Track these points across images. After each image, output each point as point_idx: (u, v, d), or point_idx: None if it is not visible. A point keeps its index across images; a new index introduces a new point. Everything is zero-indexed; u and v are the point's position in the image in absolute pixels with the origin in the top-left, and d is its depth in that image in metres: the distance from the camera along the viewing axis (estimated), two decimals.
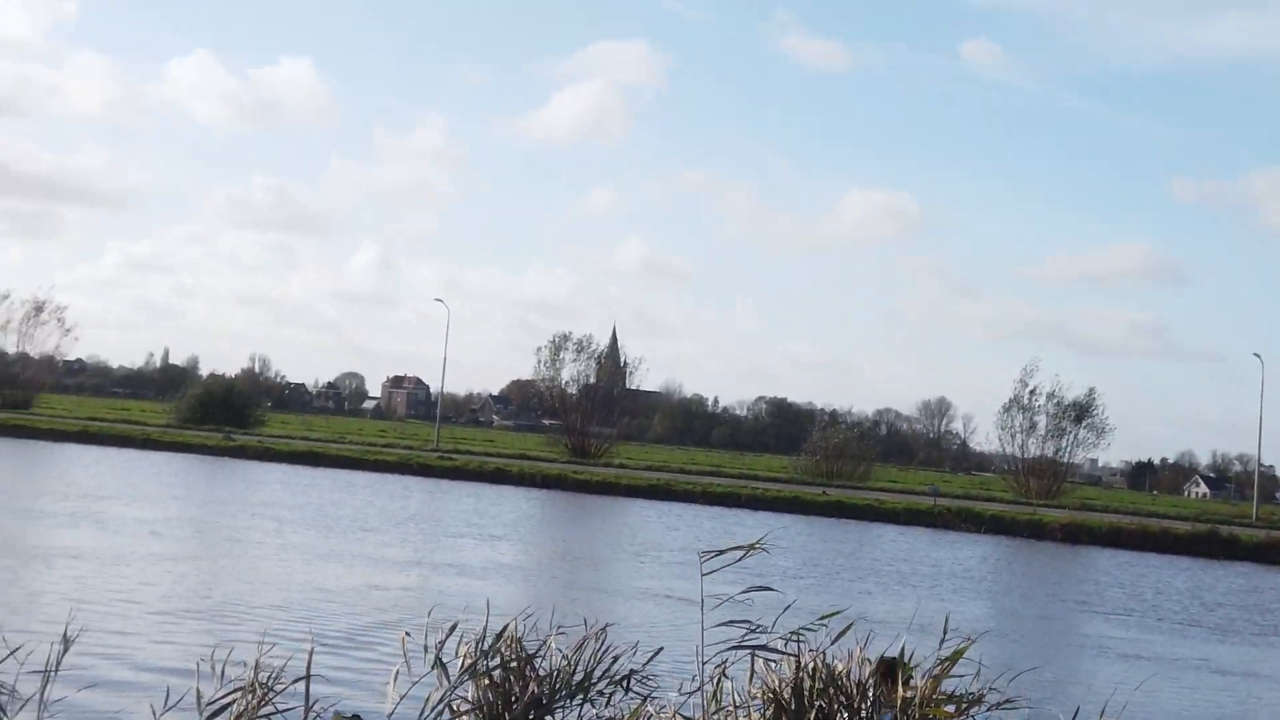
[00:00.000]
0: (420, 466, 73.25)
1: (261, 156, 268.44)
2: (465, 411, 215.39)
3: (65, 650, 7.09)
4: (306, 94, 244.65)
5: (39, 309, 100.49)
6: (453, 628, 8.58)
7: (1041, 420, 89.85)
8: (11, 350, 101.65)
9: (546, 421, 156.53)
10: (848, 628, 8.66)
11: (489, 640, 8.51)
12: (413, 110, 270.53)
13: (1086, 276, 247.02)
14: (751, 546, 8.53)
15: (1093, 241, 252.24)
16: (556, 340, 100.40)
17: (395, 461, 74.25)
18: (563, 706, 8.38)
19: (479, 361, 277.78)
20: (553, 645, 8.72)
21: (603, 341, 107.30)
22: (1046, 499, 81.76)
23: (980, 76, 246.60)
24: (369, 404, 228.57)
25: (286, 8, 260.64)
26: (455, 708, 8.24)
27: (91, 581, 24.75)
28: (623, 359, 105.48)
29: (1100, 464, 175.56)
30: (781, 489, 72.25)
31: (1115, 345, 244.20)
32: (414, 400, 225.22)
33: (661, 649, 9.42)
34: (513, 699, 8.05)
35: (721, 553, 8.34)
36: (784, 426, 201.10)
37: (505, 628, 8.62)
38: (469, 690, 8.35)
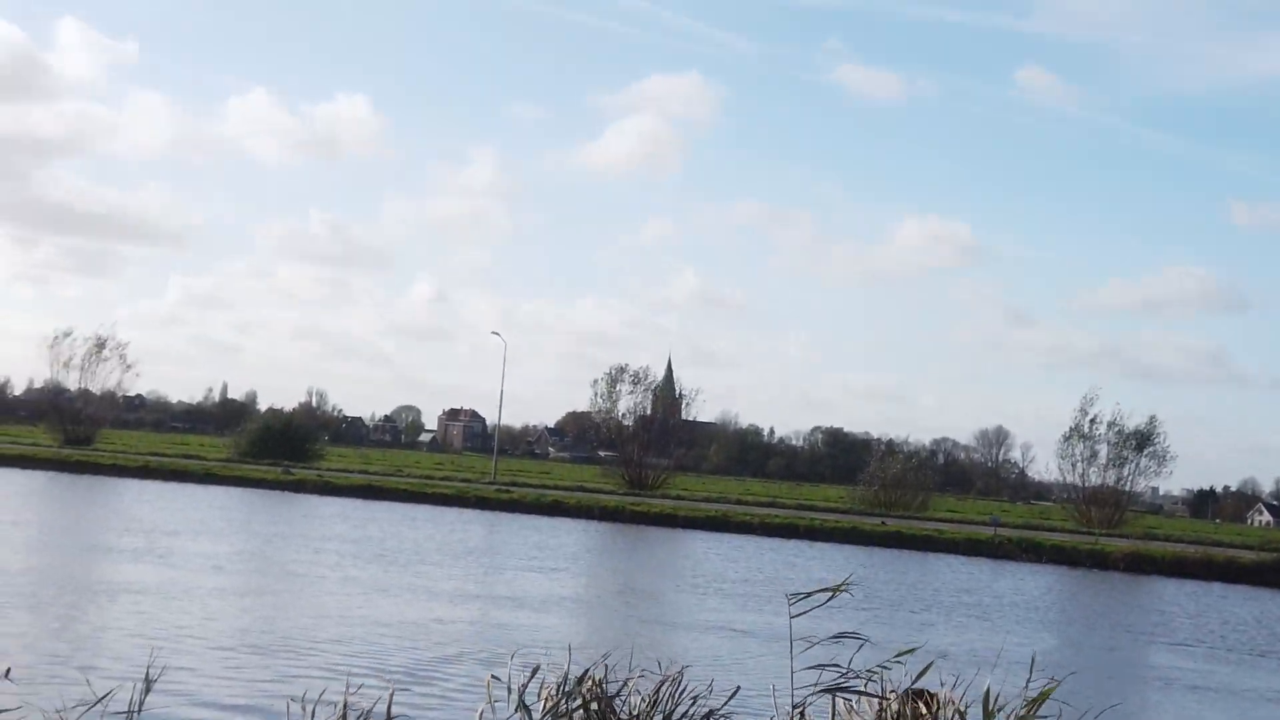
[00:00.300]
0: (478, 499, 73.36)
1: (318, 192, 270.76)
2: (521, 444, 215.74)
3: (147, 691, 7.12)
4: (362, 129, 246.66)
5: (101, 345, 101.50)
6: (535, 670, 8.54)
7: (1103, 449, 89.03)
8: (74, 387, 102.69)
9: (602, 453, 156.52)
10: (928, 666, 8.56)
11: (570, 683, 8.47)
12: (467, 144, 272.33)
13: (1144, 303, 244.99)
14: (838, 588, 8.46)
15: (1150, 267, 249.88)
16: (613, 372, 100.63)
17: (453, 495, 74.38)
18: None
19: (534, 394, 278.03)
20: (632, 687, 8.68)
21: (658, 373, 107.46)
22: (1108, 528, 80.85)
23: (1034, 103, 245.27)
24: (425, 437, 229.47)
25: (342, 45, 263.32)
26: None
27: (156, 617, 24.89)
28: (679, 390, 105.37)
29: (1161, 492, 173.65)
30: (840, 519, 71.85)
31: (1175, 372, 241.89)
32: (470, 433, 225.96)
33: (739, 689, 9.35)
34: None
35: (809, 595, 8.27)
36: (840, 456, 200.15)
37: (586, 671, 8.59)
38: None
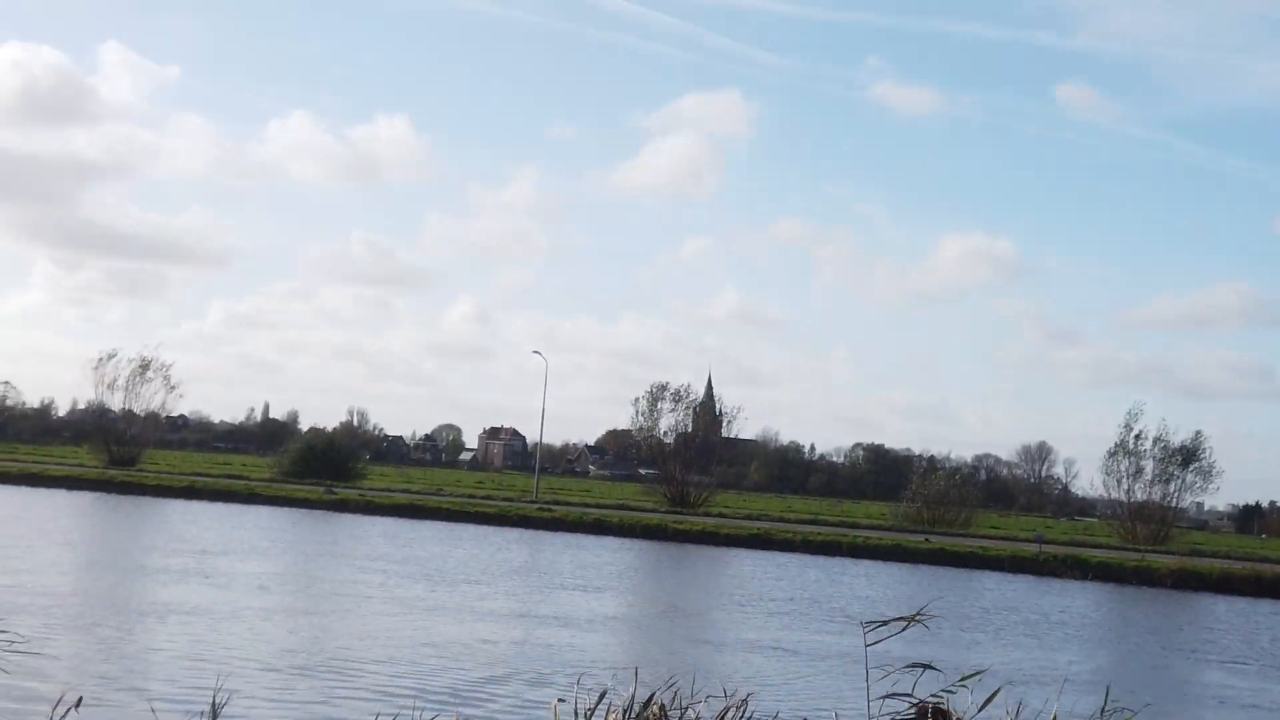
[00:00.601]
0: (520, 518, 73.42)
1: (359, 213, 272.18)
2: (561, 462, 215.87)
3: (215, 718, 7.12)
4: (402, 151, 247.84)
5: (145, 367, 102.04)
6: (602, 695, 8.50)
7: (1148, 465, 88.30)
8: (118, 408, 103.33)
9: (643, 471, 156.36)
10: (995, 693, 8.45)
11: (636, 707, 8.42)
12: (507, 164, 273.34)
13: (1189, 318, 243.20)
14: (913, 619, 8.36)
15: (1195, 283, 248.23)
16: (654, 390, 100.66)
17: (495, 513, 74.45)
18: None
19: (574, 412, 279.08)
20: (698, 713, 8.61)
21: (699, 391, 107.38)
22: (1154, 544, 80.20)
23: (1076, 119, 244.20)
24: (466, 455, 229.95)
25: (382, 67, 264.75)
26: None
27: (205, 638, 24.98)
28: (719, 407, 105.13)
29: (1206, 508, 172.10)
30: (883, 537, 71.53)
31: (1219, 387, 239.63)
32: (510, 451, 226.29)
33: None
34: None
35: (885, 623, 8.18)
36: (881, 473, 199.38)
37: (652, 697, 8.53)
38: None
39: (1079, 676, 28.98)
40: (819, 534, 70.99)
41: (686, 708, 8.62)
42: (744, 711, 8.41)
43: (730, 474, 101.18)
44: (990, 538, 77.77)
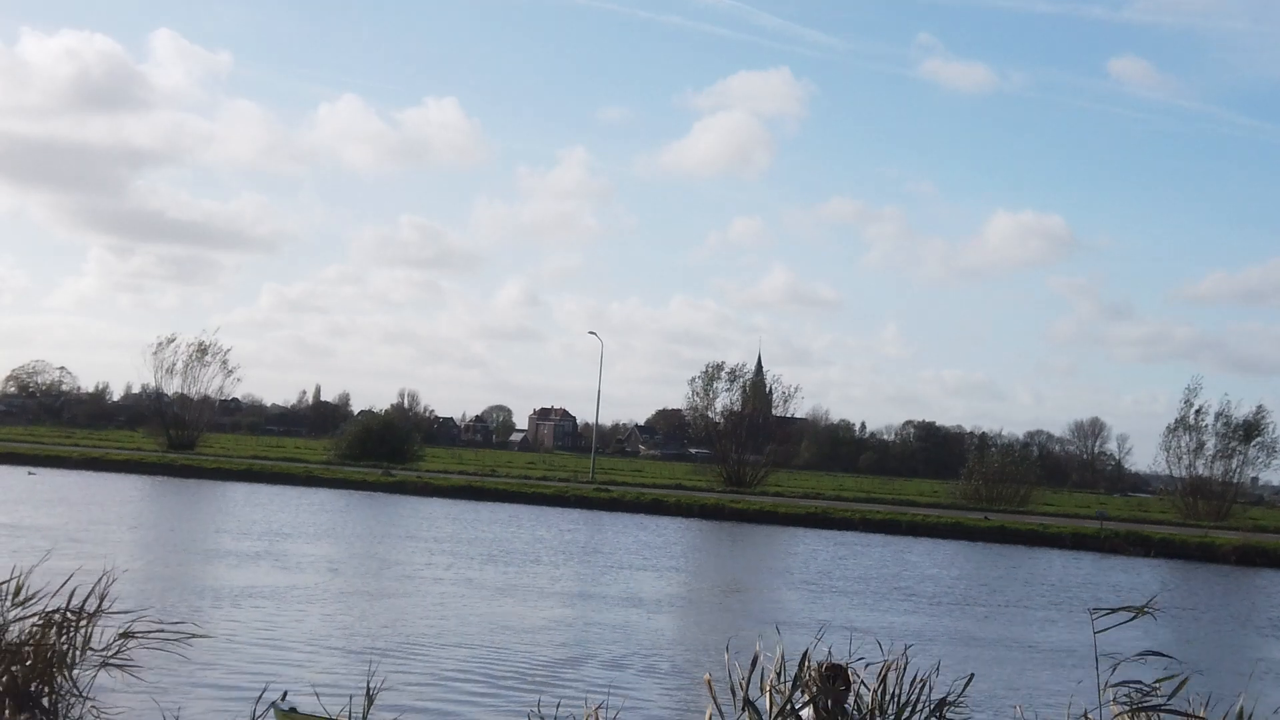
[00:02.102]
0: (578, 499, 73.52)
1: (409, 196, 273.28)
2: (612, 442, 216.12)
3: (370, 704, 7.09)
4: (452, 134, 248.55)
5: (203, 351, 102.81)
6: (754, 661, 8.37)
7: (1210, 440, 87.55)
8: (176, 392, 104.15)
9: (694, 450, 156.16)
10: (1182, 683, 8.25)
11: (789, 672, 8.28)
12: (555, 146, 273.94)
13: (1244, 293, 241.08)
14: (1142, 610, 8.22)
15: (1248, 258, 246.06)
16: (709, 370, 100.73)
17: (552, 494, 74.58)
18: None
19: (624, 393, 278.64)
20: (858, 676, 8.47)
21: (751, 371, 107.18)
22: (1216, 520, 79.50)
23: (1129, 94, 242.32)
24: (516, 436, 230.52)
25: (431, 51, 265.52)
26: None
27: (280, 623, 25.08)
28: (775, 386, 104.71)
29: (1261, 483, 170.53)
30: (941, 515, 71.20)
31: (1273, 362, 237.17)
32: (561, 431, 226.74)
33: (973, 676, 9.13)
34: None
35: (1112, 611, 8.05)
36: (932, 451, 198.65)
37: (804, 655, 8.40)
38: None
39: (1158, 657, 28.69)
40: (877, 512, 70.77)
41: (847, 666, 8.51)
42: (904, 668, 8.28)
43: (780, 453, 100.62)
44: (1049, 515, 77.28)
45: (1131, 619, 8.16)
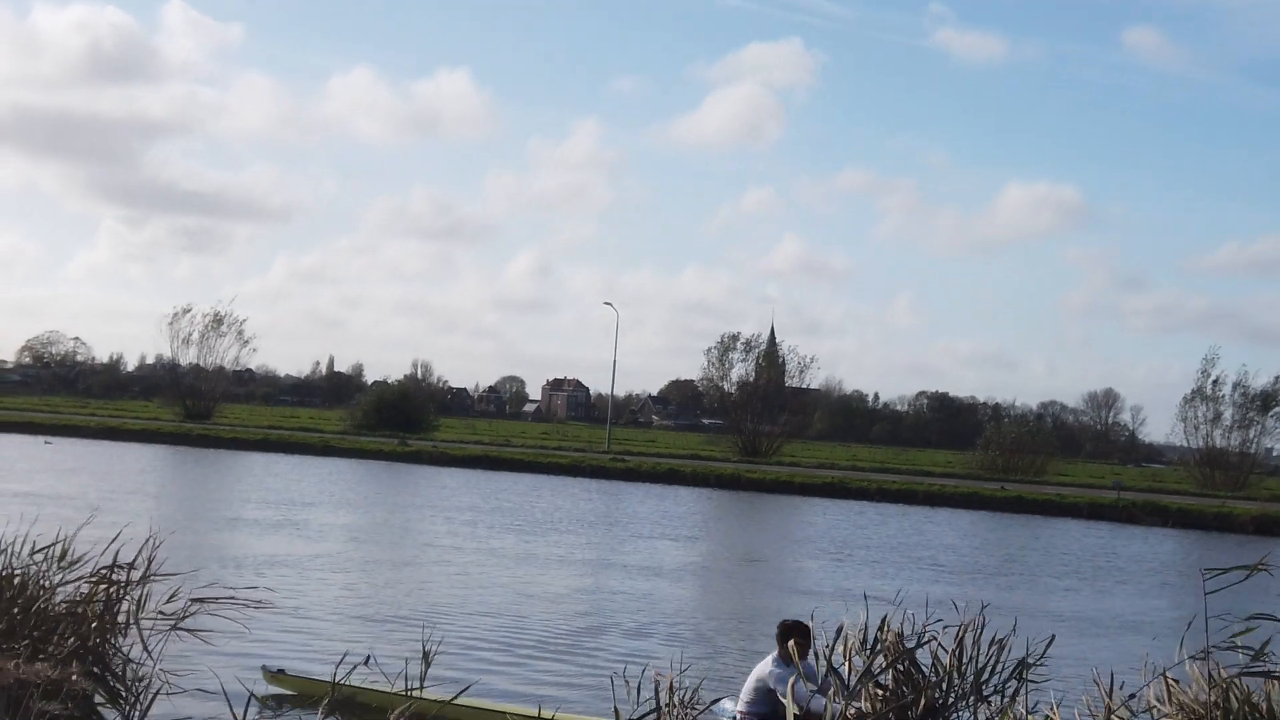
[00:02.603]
0: (594, 469, 73.58)
1: (421, 168, 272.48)
2: (625, 412, 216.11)
3: (427, 667, 7.08)
4: (463, 105, 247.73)
5: (219, 321, 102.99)
6: (839, 631, 8.34)
7: (1227, 411, 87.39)
8: (191, 362, 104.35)
9: (707, 421, 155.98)
10: (1263, 646, 8.13)
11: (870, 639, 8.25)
12: (568, 118, 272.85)
13: (1259, 263, 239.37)
14: (1255, 566, 8.15)
15: (1263, 228, 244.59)
16: (725, 340, 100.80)
17: (568, 464, 74.65)
18: (958, 709, 8.10)
19: (637, 363, 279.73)
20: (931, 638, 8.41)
21: (765, 340, 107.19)
22: (1233, 490, 79.36)
23: (1143, 64, 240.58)
24: (529, 407, 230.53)
25: (443, 22, 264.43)
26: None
27: (307, 590, 25.11)
28: (787, 357, 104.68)
29: (1277, 453, 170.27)
30: (958, 484, 71.17)
31: None
32: (574, 402, 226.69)
33: (1054, 637, 9.06)
34: (908, 712, 7.81)
35: (1225, 571, 7.95)
36: (946, 422, 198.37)
37: (884, 619, 8.37)
38: (862, 701, 8.10)
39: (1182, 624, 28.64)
40: (893, 482, 70.77)
41: (922, 629, 8.46)
42: (980, 629, 8.22)
43: (793, 423, 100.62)
44: (1065, 485, 77.19)
45: (1246, 578, 8.06)
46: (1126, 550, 47.32)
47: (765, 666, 11.64)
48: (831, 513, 56.25)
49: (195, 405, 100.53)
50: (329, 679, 8.65)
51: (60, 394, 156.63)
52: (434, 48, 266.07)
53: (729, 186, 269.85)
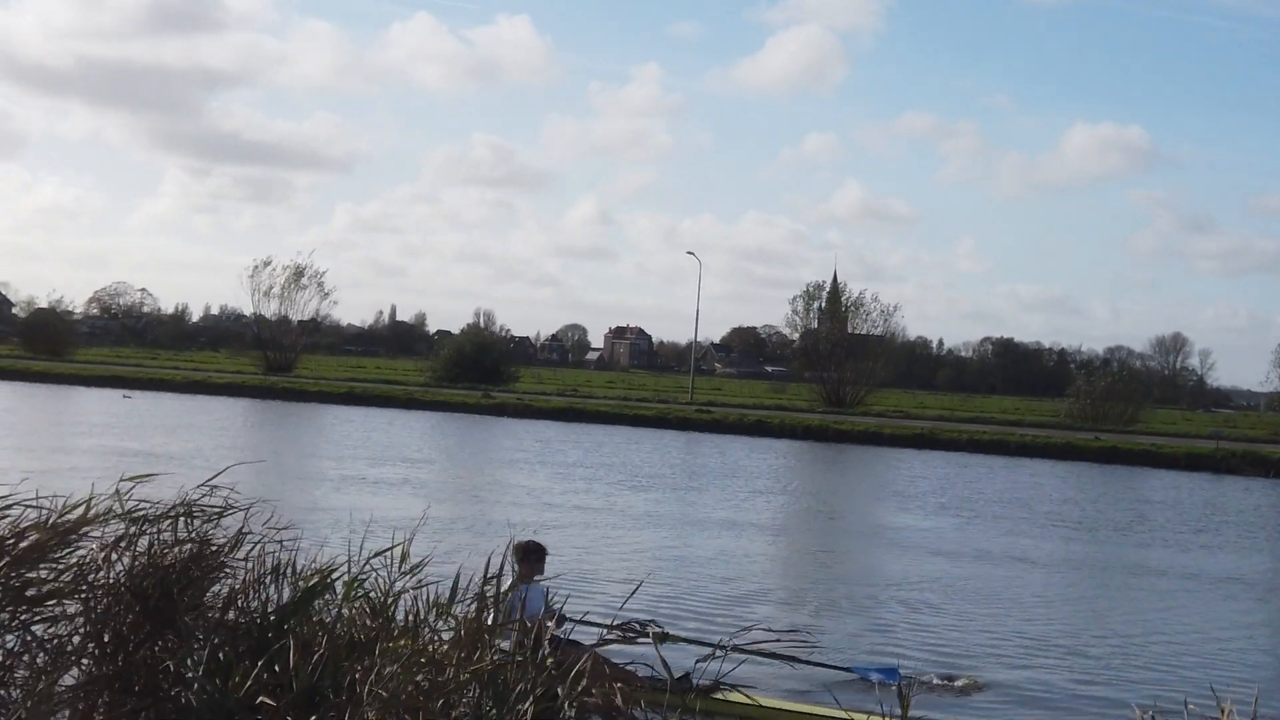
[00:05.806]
0: (679, 420, 73.22)
1: (481, 115, 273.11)
2: (687, 360, 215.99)
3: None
4: (523, 52, 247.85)
5: (300, 274, 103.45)
6: None
7: None
8: (275, 313, 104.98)
9: (770, 368, 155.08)
10: None
11: None
12: (627, 63, 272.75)
13: None
14: None
15: None
16: (810, 289, 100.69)
17: (654, 416, 74.27)
18: None
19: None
20: None
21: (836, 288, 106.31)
22: None
23: (1211, 2, 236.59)
24: (591, 355, 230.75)
25: None
26: None
27: (442, 553, 24.77)
28: (874, 304, 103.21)
29: None
30: (1050, 435, 70.36)
31: None
32: (636, 350, 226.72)
33: None
34: None
35: None
36: (1010, 368, 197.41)
37: None
38: None
39: None
40: (984, 433, 70.15)
41: None
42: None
43: (858, 371, 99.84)
44: (1159, 434, 76.19)
45: None
46: (1249, 503, 46.62)
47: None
48: (932, 465, 55.68)
49: (277, 358, 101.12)
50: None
51: (129, 345, 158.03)
52: None
53: (790, 131, 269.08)
